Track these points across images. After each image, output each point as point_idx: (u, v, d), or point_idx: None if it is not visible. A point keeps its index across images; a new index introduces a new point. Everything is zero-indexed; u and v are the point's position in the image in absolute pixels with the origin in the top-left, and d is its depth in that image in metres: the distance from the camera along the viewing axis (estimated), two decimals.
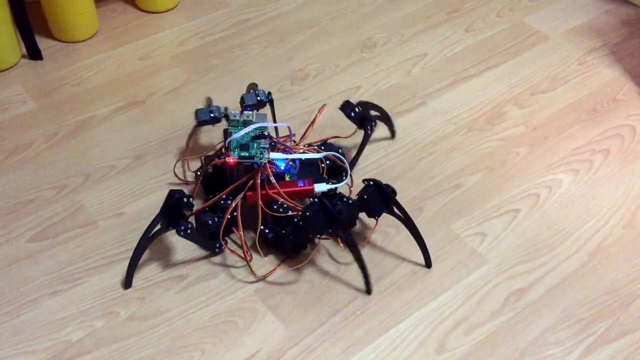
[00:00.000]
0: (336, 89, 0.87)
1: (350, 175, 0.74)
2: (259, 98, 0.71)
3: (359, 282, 0.65)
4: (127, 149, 0.78)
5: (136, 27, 0.96)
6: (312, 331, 0.62)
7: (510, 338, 0.61)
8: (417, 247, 0.68)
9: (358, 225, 0.70)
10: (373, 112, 0.76)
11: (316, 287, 0.65)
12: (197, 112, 0.70)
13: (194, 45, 0.94)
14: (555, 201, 0.73)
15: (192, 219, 0.66)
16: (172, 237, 0.69)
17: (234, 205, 0.64)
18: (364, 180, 0.65)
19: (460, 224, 0.71)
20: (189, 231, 0.62)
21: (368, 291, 0.64)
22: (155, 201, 0.72)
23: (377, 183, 0.64)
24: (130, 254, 0.67)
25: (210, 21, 0.98)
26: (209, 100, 0.77)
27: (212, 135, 0.80)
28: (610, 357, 0.60)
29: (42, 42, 0.92)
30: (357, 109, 0.73)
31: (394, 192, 0.65)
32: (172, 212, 0.61)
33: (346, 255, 0.67)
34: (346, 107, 0.73)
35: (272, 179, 0.64)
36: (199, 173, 0.72)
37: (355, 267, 0.67)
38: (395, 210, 0.64)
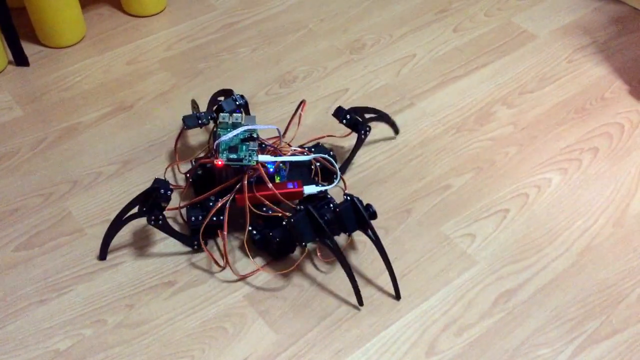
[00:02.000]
0: (325, 91, 0.87)
1: (342, 178, 0.74)
2: (237, 103, 0.71)
3: (348, 286, 0.65)
4: (115, 155, 0.78)
5: (123, 32, 0.96)
6: (302, 336, 0.61)
7: (500, 339, 0.61)
8: (406, 250, 0.68)
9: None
10: (368, 115, 0.76)
11: (306, 292, 0.65)
12: (185, 119, 0.70)
13: (182, 49, 0.93)
14: (544, 201, 0.73)
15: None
16: (161, 243, 0.68)
17: (219, 205, 0.64)
18: (344, 194, 0.63)
19: (450, 225, 0.71)
20: (160, 222, 0.62)
21: (359, 302, 0.63)
22: None
23: (352, 200, 0.62)
24: (119, 260, 0.67)
25: (198, 25, 0.97)
26: (194, 104, 0.77)
27: (200, 138, 0.80)
28: (600, 356, 0.60)
29: (29, 48, 0.92)
30: (348, 115, 0.72)
31: (373, 214, 0.63)
32: (150, 200, 0.61)
33: (335, 260, 0.67)
34: (339, 113, 0.73)
35: (266, 179, 0.64)
36: (188, 175, 0.72)
37: (342, 271, 0.66)
38: (370, 233, 0.62)
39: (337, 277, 0.66)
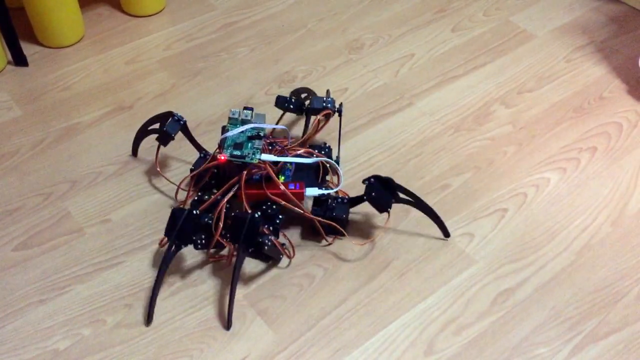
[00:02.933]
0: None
1: (340, 174, 0.74)
2: (324, 104, 0.72)
3: (347, 285, 0.65)
4: (114, 155, 0.78)
5: (122, 32, 0.96)
6: (301, 335, 0.61)
7: (499, 338, 0.61)
8: (404, 249, 0.68)
9: (362, 222, 0.70)
10: (303, 95, 0.76)
11: (305, 291, 0.65)
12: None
13: (181, 49, 0.93)
14: (542, 200, 0.73)
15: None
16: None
17: (223, 203, 0.64)
18: (363, 181, 0.65)
19: (448, 224, 0.71)
20: (204, 242, 0.62)
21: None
22: (142, 207, 0.72)
23: (377, 177, 0.65)
24: (118, 260, 0.67)
25: (197, 24, 0.97)
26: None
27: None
28: (598, 355, 0.60)
29: (28, 48, 0.92)
30: (292, 99, 0.73)
31: (398, 186, 0.66)
32: (184, 230, 0.61)
33: (333, 259, 0.67)
34: (281, 102, 0.73)
35: (275, 177, 0.64)
36: (192, 170, 0.72)
37: (344, 270, 0.67)
38: (402, 195, 0.66)
39: (335, 277, 0.66)
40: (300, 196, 0.66)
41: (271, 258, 0.66)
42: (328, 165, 0.71)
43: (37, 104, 0.85)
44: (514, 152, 0.79)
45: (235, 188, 0.65)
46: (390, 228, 0.70)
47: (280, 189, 0.64)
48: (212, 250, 0.67)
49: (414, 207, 0.67)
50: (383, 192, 0.65)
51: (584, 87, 0.88)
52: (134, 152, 0.77)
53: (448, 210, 0.72)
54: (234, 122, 0.67)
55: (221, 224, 0.63)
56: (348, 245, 0.69)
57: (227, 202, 0.64)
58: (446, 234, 0.69)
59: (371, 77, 0.89)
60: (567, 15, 1.00)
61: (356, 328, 0.62)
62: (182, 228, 0.60)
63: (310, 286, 0.65)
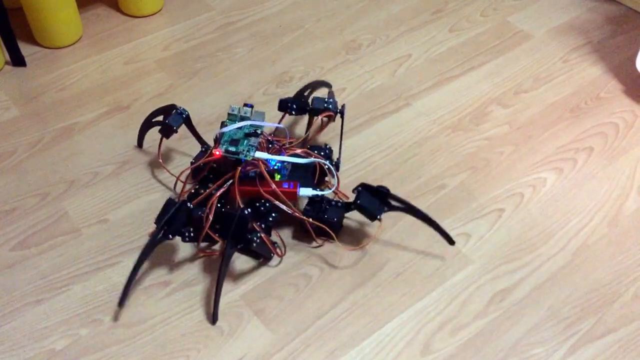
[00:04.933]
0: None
1: (337, 176, 0.74)
2: (326, 105, 0.71)
3: (343, 285, 0.65)
4: (112, 155, 0.78)
5: (120, 32, 0.96)
6: (297, 335, 0.62)
7: (495, 338, 0.62)
8: (401, 249, 0.69)
9: (361, 225, 0.70)
10: (306, 93, 0.75)
11: (301, 291, 0.65)
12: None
13: (179, 49, 0.93)
14: (539, 200, 0.74)
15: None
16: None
17: (215, 197, 0.64)
18: (353, 190, 0.65)
19: (445, 224, 0.71)
20: (192, 235, 0.63)
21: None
22: (139, 207, 0.72)
23: (365, 186, 0.64)
24: (115, 260, 0.67)
25: (195, 25, 0.98)
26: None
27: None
28: (594, 355, 0.60)
29: (26, 49, 0.92)
30: (291, 103, 0.72)
31: (389, 192, 0.65)
32: (174, 220, 0.61)
33: (330, 259, 0.68)
34: (283, 106, 0.72)
35: (267, 176, 0.64)
36: (192, 161, 0.72)
37: (340, 270, 0.67)
38: (395, 203, 0.65)
39: (332, 277, 0.66)
40: (294, 195, 0.66)
41: (262, 255, 0.66)
42: (325, 166, 0.71)
43: (35, 104, 0.85)
44: (511, 152, 0.79)
45: (229, 183, 0.65)
46: (380, 238, 0.69)
47: (271, 187, 0.64)
48: (202, 245, 0.67)
49: (410, 214, 0.66)
50: (373, 200, 0.64)
51: (581, 88, 0.88)
52: (140, 144, 0.78)
53: (445, 210, 0.72)
54: (232, 118, 0.68)
55: (211, 217, 0.63)
56: (341, 249, 0.69)
57: (222, 198, 0.65)
58: (450, 241, 0.66)
59: (368, 77, 0.89)
60: (564, 16, 1.00)
61: (352, 328, 0.62)
62: (172, 217, 0.61)
63: (307, 286, 0.65)
